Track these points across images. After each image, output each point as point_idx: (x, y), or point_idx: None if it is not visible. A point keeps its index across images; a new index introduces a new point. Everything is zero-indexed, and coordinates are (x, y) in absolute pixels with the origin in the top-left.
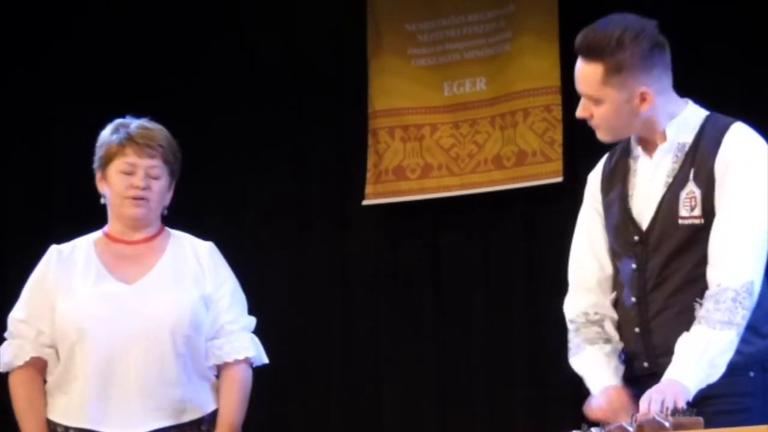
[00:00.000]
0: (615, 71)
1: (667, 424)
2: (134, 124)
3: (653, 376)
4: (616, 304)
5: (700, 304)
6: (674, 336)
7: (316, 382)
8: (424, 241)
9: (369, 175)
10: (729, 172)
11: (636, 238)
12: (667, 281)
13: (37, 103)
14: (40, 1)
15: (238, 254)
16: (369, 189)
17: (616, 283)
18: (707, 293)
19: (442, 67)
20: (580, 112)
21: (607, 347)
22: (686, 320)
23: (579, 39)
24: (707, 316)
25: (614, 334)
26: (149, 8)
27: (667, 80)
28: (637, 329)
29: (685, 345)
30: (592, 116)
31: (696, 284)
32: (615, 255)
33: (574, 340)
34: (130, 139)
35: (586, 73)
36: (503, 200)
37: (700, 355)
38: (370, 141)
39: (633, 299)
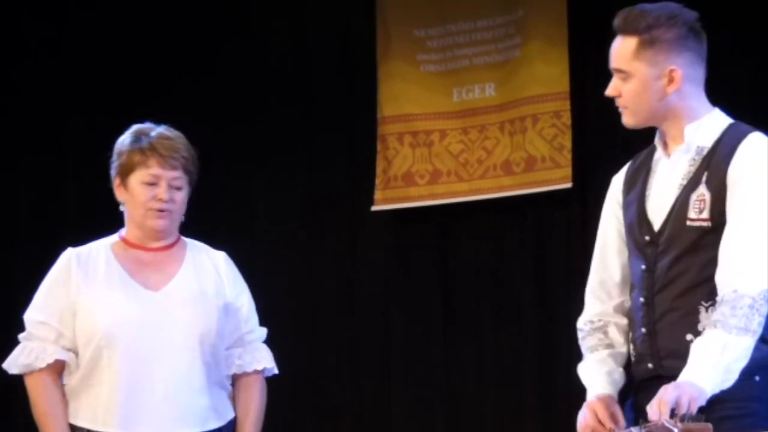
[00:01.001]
0: (648, 45)
1: (675, 430)
2: (155, 132)
3: (657, 379)
4: (629, 306)
5: (705, 308)
6: (679, 338)
7: (325, 387)
8: (433, 247)
9: (378, 181)
10: (742, 179)
11: (647, 238)
12: (674, 283)
13: (48, 107)
14: (50, 5)
15: (246, 259)
16: (378, 195)
17: (630, 285)
18: (720, 297)
19: (451, 72)
20: (609, 91)
21: (604, 353)
22: (691, 323)
23: (618, 17)
24: (723, 321)
25: (618, 339)
26: (160, 14)
27: (698, 71)
28: (643, 329)
29: (701, 348)
30: (620, 95)
31: (702, 287)
32: (629, 254)
33: (581, 348)
34: (153, 150)
35: (620, 46)
36: (512, 206)
37: (717, 360)
38: (379, 147)
39: (641, 299)
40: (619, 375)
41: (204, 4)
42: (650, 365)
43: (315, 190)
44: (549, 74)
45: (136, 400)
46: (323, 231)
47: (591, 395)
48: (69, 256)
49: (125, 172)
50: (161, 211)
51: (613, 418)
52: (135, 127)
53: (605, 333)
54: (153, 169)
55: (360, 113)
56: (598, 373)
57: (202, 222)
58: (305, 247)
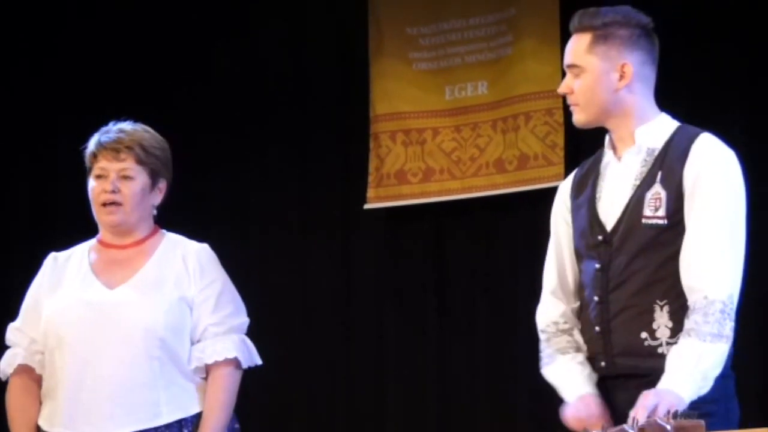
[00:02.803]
0: (602, 40)
1: (668, 428)
2: (113, 128)
3: (610, 377)
4: (581, 307)
5: (660, 306)
6: (633, 336)
7: (318, 385)
8: (425, 245)
9: (371, 179)
10: (700, 183)
11: (600, 237)
12: (629, 281)
13: (41, 111)
14: (44, 7)
15: (240, 258)
16: (371, 193)
17: (580, 286)
18: (692, 305)
19: (444, 70)
20: (561, 88)
21: (579, 356)
22: (646, 321)
23: (573, 18)
24: (697, 329)
25: (582, 343)
26: (153, 14)
27: (649, 73)
28: (597, 328)
29: (677, 357)
30: (572, 91)
31: (658, 286)
32: (578, 257)
33: (545, 350)
34: (101, 146)
35: (575, 43)
36: (505, 204)
37: (694, 367)
38: (372, 145)
39: (595, 298)
40: (594, 378)
41: (200, 3)
42: (603, 363)
43: (308, 188)
44: (541, 72)
45: (80, 399)
46: (316, 229)
47: (578, 392)
48: (47, 261)
49: (89, 174)
50: (108, 205)
51: (602, 416)
52: (101, 129)
53: (571, 335)
54: (101, 163)
55: (353, 111)
56: (580, 374)
57: (196, 220)
58: (299, 245)
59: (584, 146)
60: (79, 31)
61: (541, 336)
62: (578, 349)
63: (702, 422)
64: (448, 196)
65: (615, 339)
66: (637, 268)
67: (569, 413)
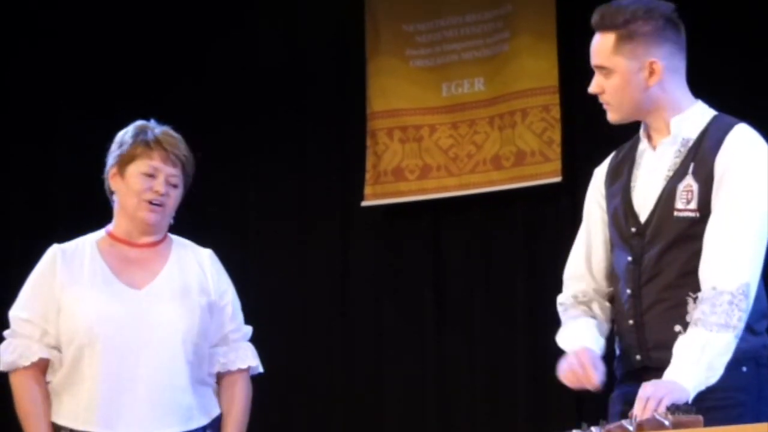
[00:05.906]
0: (626, 39)
1: (666, 423)
2: (159, 129)
3: (646, 370)
4: (613, 298)
5: (693, 299)
6: (667, 330)
7: (317, 383)
8: (423, 242)
9: (368, 176)
10: (728, 173)
11: (633, 229)
12: (661, 274)
13: (40, 105)
14: (43, 3)
15: (238, 256)
16: (368, 190)
17: (613, 277)
18: (701, 295)
19: (440, 67)
20: (592, 88)
21: (591, 321)
22: (679, 314)
23: (595, 14)
24: (704, 319)
25: (600, 314)
26: (151, 12)
27: (679, 62)
28: (630, 322)
29: (682, 347)
30: (603, 91)
31: (690, 278)
32: (612, 245)
33: (562, 320)
34: (158, 143)
35: (600, 43)
36: (502, 200)
37: (698, 357)
38: (369, 142)
39: (628, 291)
40: (602, 343)
41: (196, 1)
42: (638, 357)
43: (306, 186)
44: (538, 68)
45: (117, 399)
46: (314, 227)
47: (575, 347)
48: (54, 252)
49: (125, 161)
50: (155, 204)
51: (594, 368)
52: (139, 122)
53: (589, 307)
54: (155, 161)
55: (350, 109)
56: (585, 332)
57: (194, 219)
58: (296, 243)
59: (581, 142)
60: (74, 26)
61: (559, 309)
62: (592, 317)
63: (700, 417)
64: (445, 193)
65: (649, 333)
66: (669, 260)
67: (563, 367)
